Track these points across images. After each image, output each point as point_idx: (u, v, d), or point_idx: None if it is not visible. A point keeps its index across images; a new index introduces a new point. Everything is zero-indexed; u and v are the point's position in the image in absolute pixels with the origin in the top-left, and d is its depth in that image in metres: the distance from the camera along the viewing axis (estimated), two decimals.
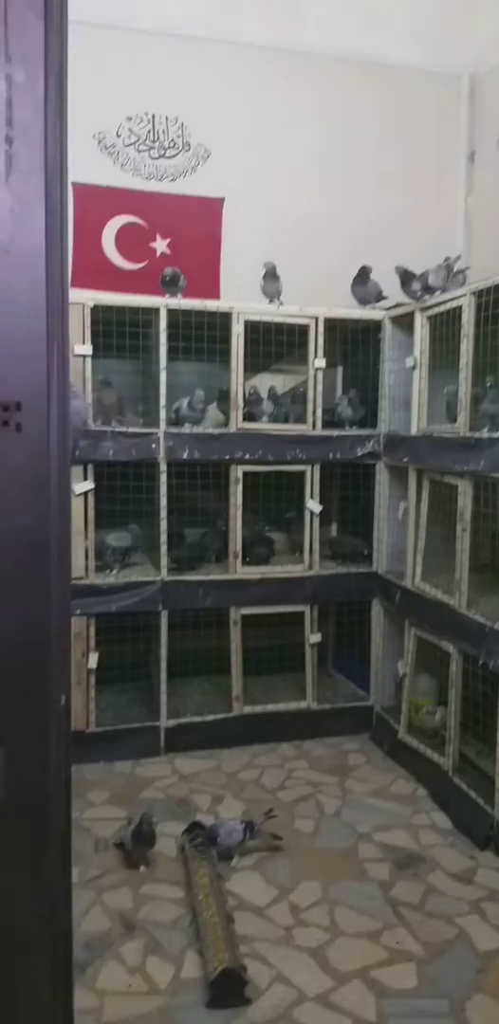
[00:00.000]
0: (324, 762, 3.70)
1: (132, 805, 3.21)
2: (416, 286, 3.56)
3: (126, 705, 3.91)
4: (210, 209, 4.21)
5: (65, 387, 1.21)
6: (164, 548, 3.67)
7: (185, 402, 3.71)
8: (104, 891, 2.65)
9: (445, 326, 3.39)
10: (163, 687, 3.70)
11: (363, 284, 3.83)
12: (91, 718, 3.61)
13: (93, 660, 3.56)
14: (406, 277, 3.62)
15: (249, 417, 3.79)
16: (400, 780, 3.54)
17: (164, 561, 3.67)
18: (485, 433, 3.06)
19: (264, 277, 3.74)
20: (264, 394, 3.91)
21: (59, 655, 1.16)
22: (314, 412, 3.83)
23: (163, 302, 3.59)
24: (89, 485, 3.52)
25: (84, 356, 3.47)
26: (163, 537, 3.66)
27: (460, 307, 3.20)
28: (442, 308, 3.39)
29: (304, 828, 3.09)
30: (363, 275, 3.84)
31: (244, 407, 3.76)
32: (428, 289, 3.51)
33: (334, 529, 4.46)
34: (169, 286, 3.63)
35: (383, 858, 2.90)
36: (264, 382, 4.01)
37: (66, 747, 1.17)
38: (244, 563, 3.83)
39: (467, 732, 3.33)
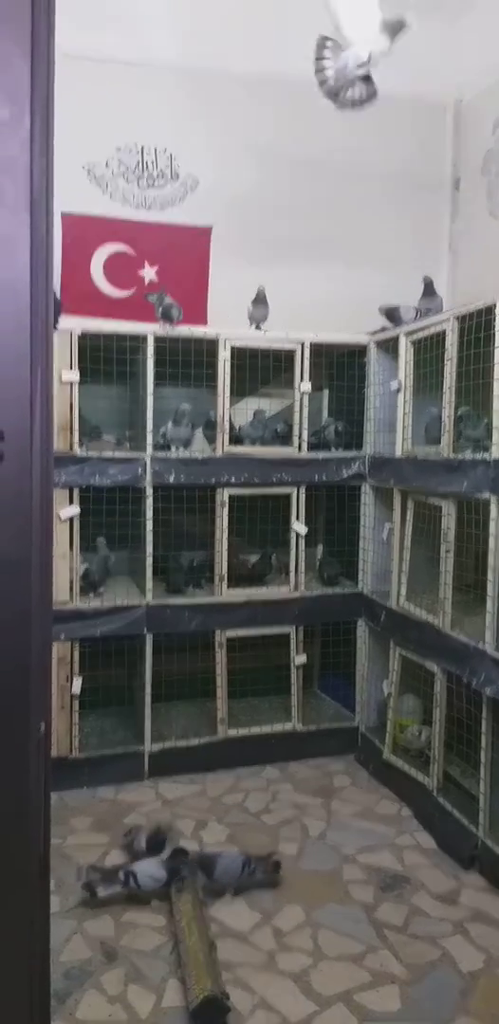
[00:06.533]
0: (309, 784, 3.70)
1: (115, 831, 3.19)
2: (404, 316, 3.69)
3: (110, 730, 3.89)
4: (198, 237, 4.26)
5: (49, 417, 1.23)
6: (150, 572, 3.68)
7: (170, 422, 3.74)
8: (85, 919, 2.63)
9: (429, 350, 3.45)
10: (147, 711, 3.69)
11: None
12: (75, 743, 3.59)
13: (77, 685, 3.55)
14: (392, 315, 3.76)
15: (236, 440, 3.83)
16: (385, 800, 3.55)
17: (149, 585, 3.68)
18: (468, 455, 3.10)
19: (254, 302, 3.79)
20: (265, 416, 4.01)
21: (39, 682, 1.17)
22: (300, 435, 3.87)
23: (151, 329, 3.62)
24: (75, 510, 3.54)
25: (71, 383, 3.49)
26: (149, 561, 3.67)
27: (443, 331, 3.26)
28: (426, 333, 3.44)
29: (288, 851, 3.09)
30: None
31: (231, 430, 3.80)
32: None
33: (320, 551, 4.48)
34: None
35: (367, 880, 2.90)
36: (250, 405, 4.05)
37: (45, 776, 1.17)
38: (252, 584, 3.89)
39: (451, 752, 3.35)
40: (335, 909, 2.72)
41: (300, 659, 3.94)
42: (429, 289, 3.78)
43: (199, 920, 2.51)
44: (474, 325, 3.07)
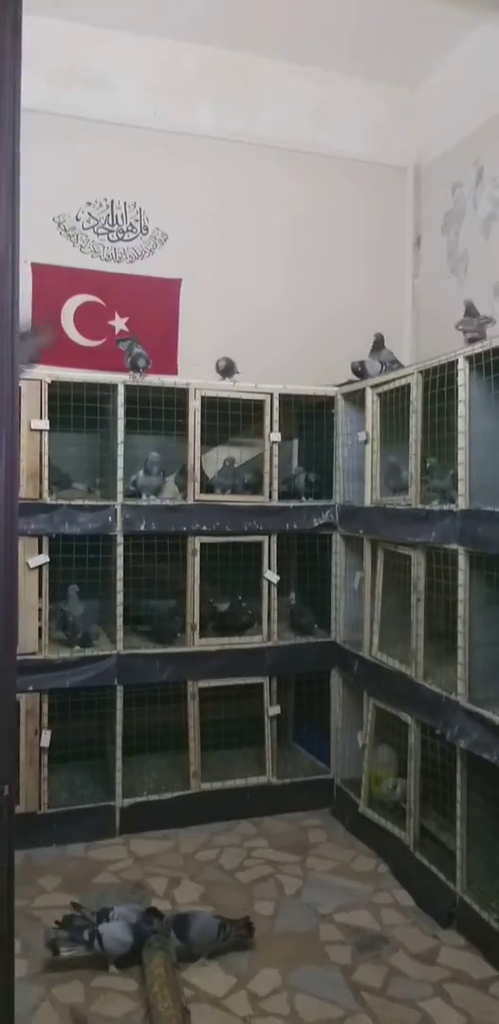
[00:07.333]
0: (284, 839, 3.62)
1: (85, 891, 3.09)
2: (370, 370, 3.79)
3: (80, 784, 3.78)
4: (167, 289, 4.32)
5: (13, 470, 1.22)
6: (120, 621, 3.63)
7: (141, 471, 3.73)
8: (54, 984, 2.52)
9: (395, 402, 3.51)
10: (118, 765, 3.60)
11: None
12: (44, 799, 3.49)
13: (46, 738, 3.46)
14: (359, 369, 3.86)
15: (207, 488, 3.84)
16: (361, 856, 3.48)
17: (120, 634, 3.63)
18: (436, 505, 3.14)
19: (223, 369, 3.83)
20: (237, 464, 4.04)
21: (2, 742, 1.13)
22: (270, 484, 3.88)
23: (121, 378, 3.64)
24: (44, 559, 3.49)
25: (41, 431, 3.48)
26: (119, 609, 3.63)
27: (408, 385, 3.32)
28: (391, 386, 3.51)
29: (264, 911, 3.00)
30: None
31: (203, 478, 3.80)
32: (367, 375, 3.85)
33: (292, 599, 4.46)
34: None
35: (345, 940, 2.83)
36: (221, 454, 4.06)
37: (9, 840, 1.13)
38: (223, 633, 3.84)
39: (428, 805, 3.31)
40: (312, 971, 2.64)
41: (274, 710, 3.89)
42: (379, 344, 3.89)
43: (172, 985, 2.42)
44: (438, 379, 3.13)
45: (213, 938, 2.68)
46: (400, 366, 3.72)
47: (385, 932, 2.89)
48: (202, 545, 3.75)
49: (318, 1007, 2.46)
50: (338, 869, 3.37)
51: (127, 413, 3.63)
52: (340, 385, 4.03)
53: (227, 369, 3.83)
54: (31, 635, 3.46)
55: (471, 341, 2.97)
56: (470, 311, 3.17)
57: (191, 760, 3.73)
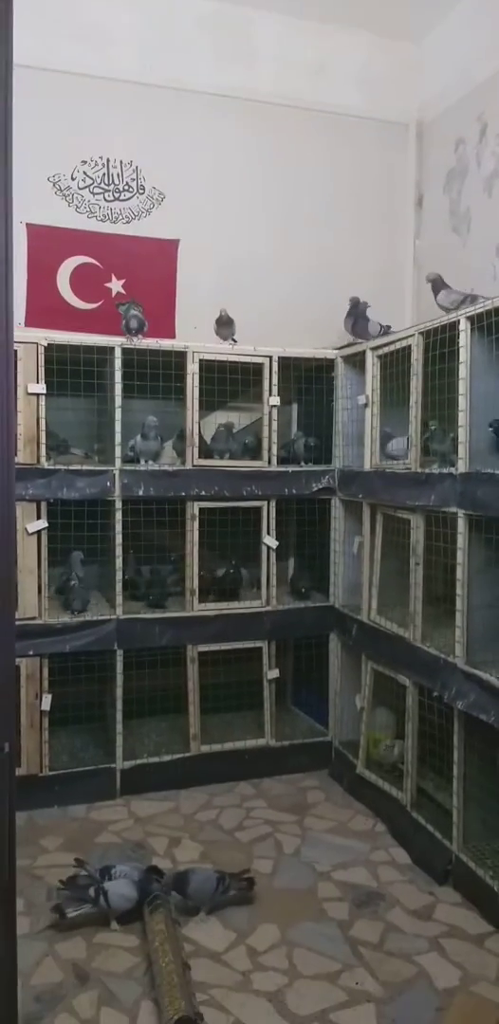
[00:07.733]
0: (283, 800, 3.67)
1: (87, 851, 3.13)
2: (370, 331, 3.77)
3: (81, 747, 3.82)
4: (165, 250, 4.25)
5: (10, 433, 1.20)
6: (120, 586, 3.64)
7: (139, 436, 3.71)
8: (56, 941, 2.57)
9: (395, 365, 3.47)
10: (119, 728, 3.64)
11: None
12: (45, 761, 3.52)
13: (46, 702, 3.49)
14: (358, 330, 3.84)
15: (206, 453, 3.82)
16: (359, 816, 3.53)
17: (120, 599, 3.64)
18: (435, 469, 3.13)
19: (217, 322, 3.79)
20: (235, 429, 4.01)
21: (2, 701, 1.14)
22: (269, 448, 3.87)
23: (118, 341, 3.60)
24: (42, 524, 3.48)
25: (38, 395, 3.45)
26: (119, 575, 3.63)
27: (409, 347, 3.28)
28: (392, 348, 3.47)
29: (263, 869, 3.05)
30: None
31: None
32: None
33: (292, 564, 4.47)
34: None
35: (342, 897, 2.88)
36: (219, 419, 4.03)
37: (10, 796, 1.14)
38: (217, 599, 3.85)
39: (425, 766, 3.35)
40: (310, 927, 2.69)
41: (272, 673, 3.92)
42: (356, 309, 3.86)
43: (172, 940, 2.47)
44: (439, 340, 3.10)
45: (212, 891, 2.72)
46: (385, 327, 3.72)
47: (382, 889, 2.94)
48: (201, 510, 3.74)
49: (316, 961, 2.51)
50: (336, 828, 3.42)
51: (125, 377, 3.60)
52: (340, 348, 3.99)
53: (227, 321, 3.78)
54: (31, 600, 3.47)
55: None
56: (437, 285, 3.15)
57: (191, 723, 3.76)
